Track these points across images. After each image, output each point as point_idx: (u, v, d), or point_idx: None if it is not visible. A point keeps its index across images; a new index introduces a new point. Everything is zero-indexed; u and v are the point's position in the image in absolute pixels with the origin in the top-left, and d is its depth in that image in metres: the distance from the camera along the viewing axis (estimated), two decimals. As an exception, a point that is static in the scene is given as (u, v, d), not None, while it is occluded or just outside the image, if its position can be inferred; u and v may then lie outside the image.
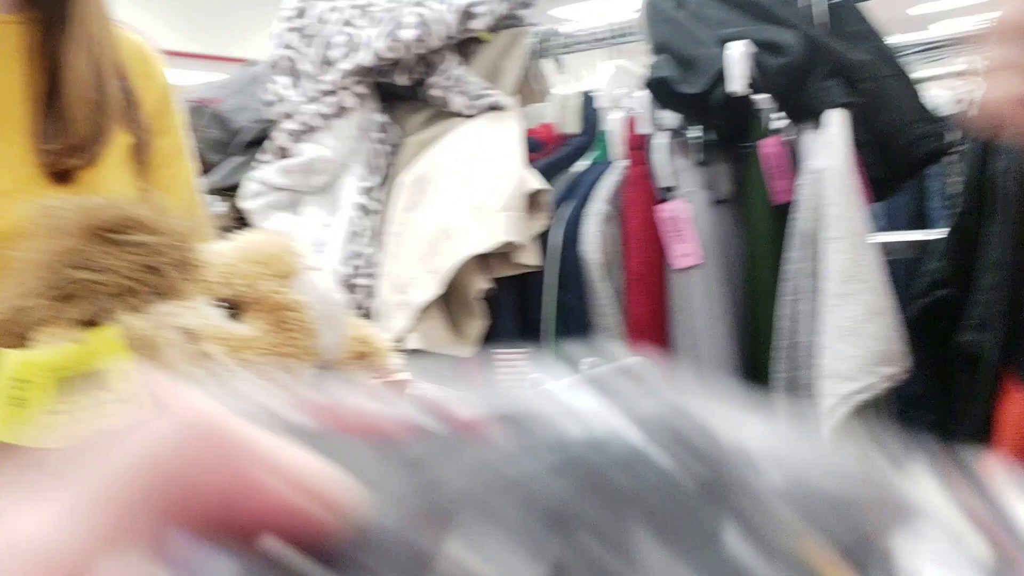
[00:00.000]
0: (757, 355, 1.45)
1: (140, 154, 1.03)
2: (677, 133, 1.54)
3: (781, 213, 1.46)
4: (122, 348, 0.56)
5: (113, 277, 0.58)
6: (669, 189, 1.50)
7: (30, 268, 0.57)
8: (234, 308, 0.64)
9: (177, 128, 1.13)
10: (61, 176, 0.95)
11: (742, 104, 1.46)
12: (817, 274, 1.31)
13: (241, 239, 0.66)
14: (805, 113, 1.46)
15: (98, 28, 1.01)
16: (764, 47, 1.43)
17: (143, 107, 1.06)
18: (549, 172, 1.57)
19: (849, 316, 1.20)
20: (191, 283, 0.62)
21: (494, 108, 1.63)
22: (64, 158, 0.94)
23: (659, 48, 1.52)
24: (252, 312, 0.64)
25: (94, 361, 0.55)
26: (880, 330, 1.20)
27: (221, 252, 0.64)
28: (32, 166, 0.93)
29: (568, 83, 1.79)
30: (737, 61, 1.38)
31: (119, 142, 1.00)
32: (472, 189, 1.47)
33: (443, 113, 1.69)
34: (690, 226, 1.48)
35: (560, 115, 1.72)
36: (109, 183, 0.98)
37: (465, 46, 1.72)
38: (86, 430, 0.60)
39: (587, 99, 1.70)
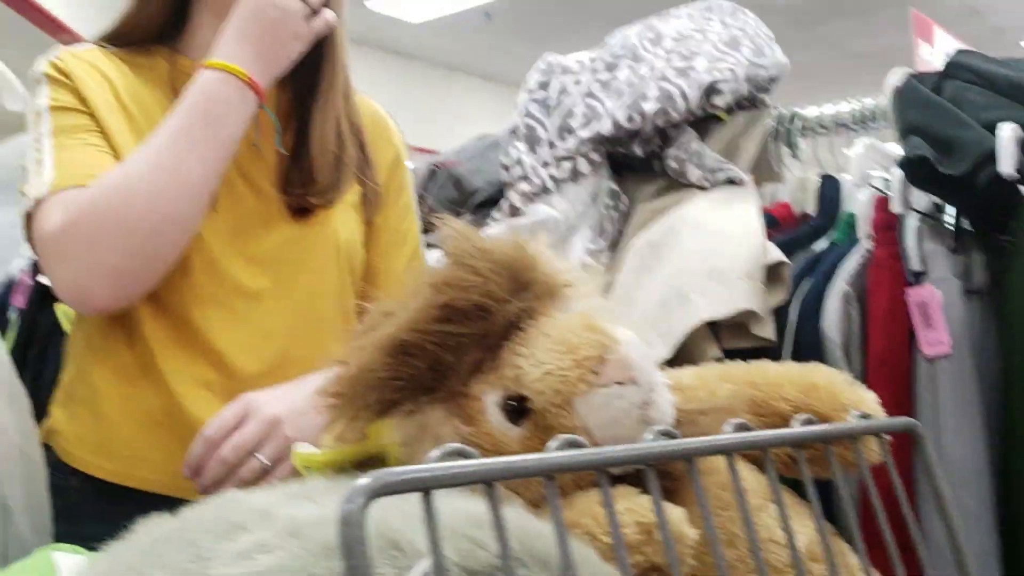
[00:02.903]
0: (1013, 458, 1.33)
1: (369, 204, 1.23)
2: (929, 217, 1.47)
3: (1047, 308, 1.36)
4: (393, 448, 0.63)
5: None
6: (919, 274, 1.43)
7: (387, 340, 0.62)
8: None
9: (408, 188, 1.31)
10: (301, 212, 1.15)
11: (1006, 190, 1.39)
12: (1094, 372, 1.20)
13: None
14: (1078, 204, 1.37)
15: (341, 97, 1.20)
16: (1036, 132, 1.35)
17: (377, 165, 1.25)
18: (787, 249, 1.52)
19: None
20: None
21: (731, 182, 1.62)
22: (305, 198, 1.14)
23: (910, 130, 1.47)
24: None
25: (369, 455, 0.62)
26: None
27: None
28: (280, 203, 1.14)
29: (806, 165, 1.75)
30: (1008, 142, 1.31)
31: (353, 191, 1.20)
32: (710, 255, 1.45)
33: (675, 184, 1.69)
34: (940, 314, 1.39)
35: (798, 196, 1.69)
36: (340, 223, 1.18)
37: (703, 124, 1.73)
38: None
39: (827, 181, 1.66)
